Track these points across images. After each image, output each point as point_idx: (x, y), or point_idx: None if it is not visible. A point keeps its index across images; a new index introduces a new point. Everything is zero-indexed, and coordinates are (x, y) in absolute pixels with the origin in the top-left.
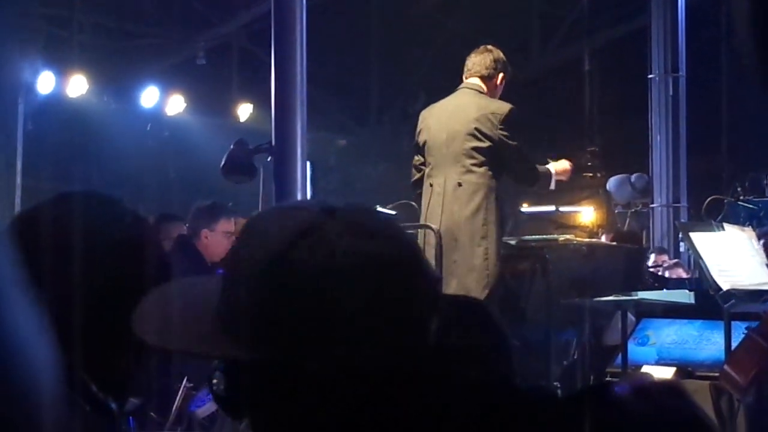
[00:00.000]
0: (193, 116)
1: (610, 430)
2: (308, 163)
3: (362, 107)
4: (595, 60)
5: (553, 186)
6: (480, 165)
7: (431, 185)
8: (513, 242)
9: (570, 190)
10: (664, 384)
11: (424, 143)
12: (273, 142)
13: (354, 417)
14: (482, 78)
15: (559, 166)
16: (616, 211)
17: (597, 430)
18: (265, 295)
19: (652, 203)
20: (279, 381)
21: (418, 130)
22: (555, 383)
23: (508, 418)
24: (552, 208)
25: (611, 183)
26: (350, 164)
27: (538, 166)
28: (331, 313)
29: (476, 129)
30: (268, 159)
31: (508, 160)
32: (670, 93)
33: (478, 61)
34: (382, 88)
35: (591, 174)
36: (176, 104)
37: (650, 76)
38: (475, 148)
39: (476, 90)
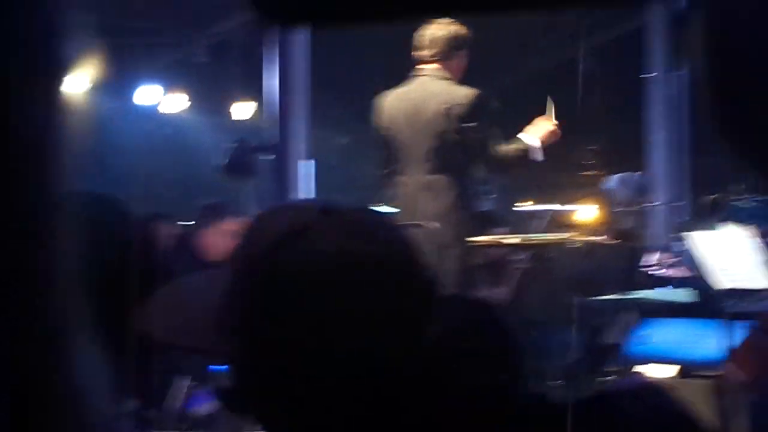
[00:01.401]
0: (194, 114)
1: None
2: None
3: (363, 104)
4: (590, 59)
5: (540, 157)
6: (449, 163)
7: (401, 185)
8: (513, 240)
9: (570, 188)
10: (655, 385)
11: (388, 139)
12: (275, 141)
13: (353, 416)
14: (440, 61)
15: (539, 132)
16: (616, 210)
17: None
18: (256, 294)
19: (653, 202)
20: (276, 380)
21: (378, 121)
22: (555, 383)
23: (509, 424)
24: (552, 206)
25: (611, 181)
26: (352, 162)
27: (507, 148)
28: (316, 314)
29: (441, 126)
30: (271, 157)
31: (476, 153)
32: (670, 91)
33: (433, 41)
34: (383, 84)
35: (591, 172)
36: (177, 102)
37: (648, 75)
38: (441, 147)
39: (435, 77)
